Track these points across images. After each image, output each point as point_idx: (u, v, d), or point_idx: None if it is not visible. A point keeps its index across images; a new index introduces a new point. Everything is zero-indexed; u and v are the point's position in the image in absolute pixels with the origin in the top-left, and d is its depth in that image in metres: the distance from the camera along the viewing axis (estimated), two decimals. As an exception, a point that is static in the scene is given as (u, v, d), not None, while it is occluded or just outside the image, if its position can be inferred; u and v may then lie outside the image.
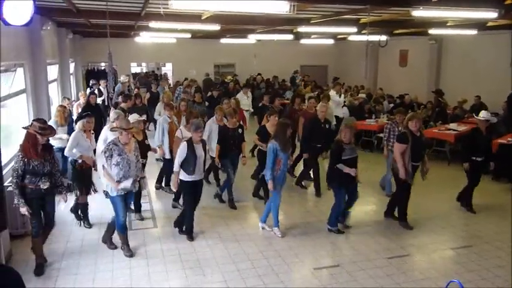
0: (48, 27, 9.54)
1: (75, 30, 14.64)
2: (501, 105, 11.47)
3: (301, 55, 20.37)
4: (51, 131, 4.87)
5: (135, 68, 21.33)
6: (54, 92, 11.60)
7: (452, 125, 10.61)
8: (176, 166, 5.73)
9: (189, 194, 5.86)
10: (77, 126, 6.22)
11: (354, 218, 6.69)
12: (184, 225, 6.01)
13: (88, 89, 14.24)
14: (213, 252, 5.58)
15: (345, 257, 5.55)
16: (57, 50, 12.14)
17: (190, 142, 5.68)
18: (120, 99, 10.52)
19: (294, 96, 10.11)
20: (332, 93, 11.17)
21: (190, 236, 5.94)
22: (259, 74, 18.89)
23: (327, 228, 6.28)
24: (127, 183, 5.15)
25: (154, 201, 7.54)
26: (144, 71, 21.02)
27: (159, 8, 7.78)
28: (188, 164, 5.61)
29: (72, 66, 14.51)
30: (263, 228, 6.31)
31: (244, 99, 11.68)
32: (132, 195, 5.53)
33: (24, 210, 4.77)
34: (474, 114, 7.91)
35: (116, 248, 5.58)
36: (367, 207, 7.42)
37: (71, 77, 14.14)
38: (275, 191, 6.02)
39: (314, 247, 5.79)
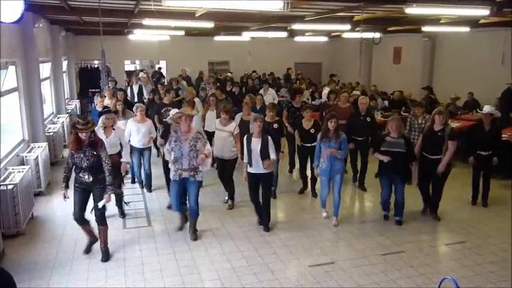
0: (41, 25, 9.44)
1: (68, 28, 14.51)
2: (494, 102, 11.51)
3: (295, 52, 20.33)
4: (90, 126, 4.97)
5: (128, 66, 21.16)
6: (47, 90, 11.51)
7: (446, 122, 10.63)
8: (244, 157, 6.16)
9: (250, 185, 6.19)
10: (99, 123, 6.47)
11: (349, 215, 6.70)
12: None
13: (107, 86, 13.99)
14: (208, 251, 5.57)
15: (339, 254, 5.56)
16: (50, 47, 12.02)
17: (249, 135, 6.08)
18: (150, 95, 10.41)
19: (329, 92, 10.10)
20: (326, 90, 11.17)
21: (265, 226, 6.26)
22: (254, 72, 18.86)
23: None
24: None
25: (149, 199, 7.50)
26: (138, 68, 20.81)
27: (152, 5, 7.73)
28: (247, 156, 6.04)
29: (65, 64, 14.38)
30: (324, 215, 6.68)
31: (265, 97, 11.53)
32: (192, 185, 5.73)
33: (61, 193, 5.21)
34: (478, 109, 8.02)
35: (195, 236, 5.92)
36: (362, 204, 7.44)
37: (64, 74, 14.02)
38: (322, 182, 6.47)
39: (309, 244, 5.80)
